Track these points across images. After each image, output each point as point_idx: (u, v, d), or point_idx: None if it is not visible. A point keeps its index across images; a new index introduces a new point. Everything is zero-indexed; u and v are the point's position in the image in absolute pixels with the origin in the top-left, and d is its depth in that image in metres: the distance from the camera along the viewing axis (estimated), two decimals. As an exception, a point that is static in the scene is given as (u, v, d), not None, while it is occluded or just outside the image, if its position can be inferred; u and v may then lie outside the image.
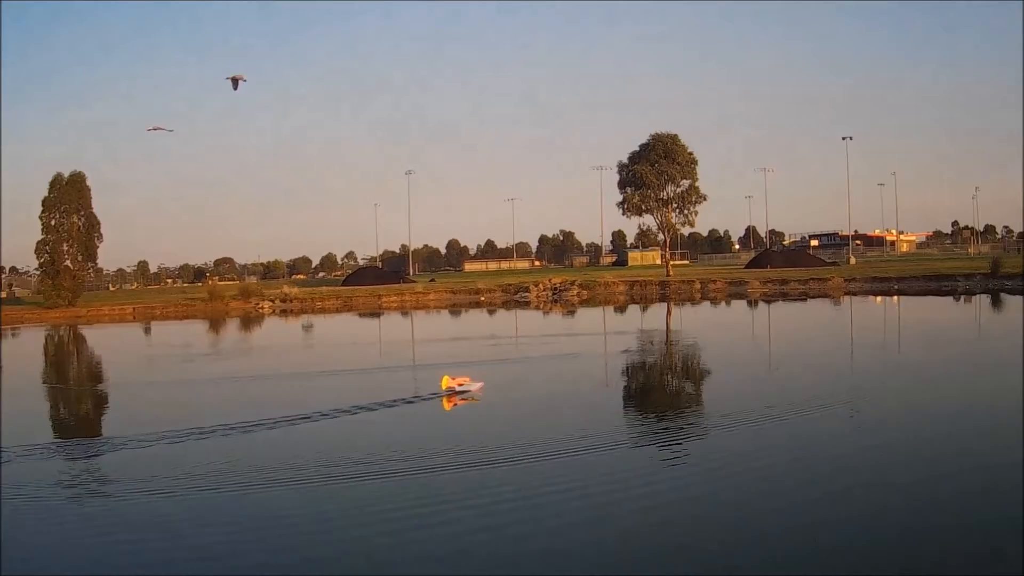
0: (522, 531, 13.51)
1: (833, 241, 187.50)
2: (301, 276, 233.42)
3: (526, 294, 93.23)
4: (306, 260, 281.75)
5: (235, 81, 56.07)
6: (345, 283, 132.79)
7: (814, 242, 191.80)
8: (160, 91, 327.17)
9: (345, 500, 15.58)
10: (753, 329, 55.47)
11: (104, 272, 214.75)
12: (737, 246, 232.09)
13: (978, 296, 69.35)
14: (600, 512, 14.16)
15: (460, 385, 25.94)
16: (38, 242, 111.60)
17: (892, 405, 22.50)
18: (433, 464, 17.52)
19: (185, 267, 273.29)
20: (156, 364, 46.66)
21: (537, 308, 79.53)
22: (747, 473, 16.20)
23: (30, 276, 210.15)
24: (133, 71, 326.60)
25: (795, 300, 76.03)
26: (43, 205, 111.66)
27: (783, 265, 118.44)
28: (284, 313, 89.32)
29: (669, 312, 68.85)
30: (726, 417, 20.95)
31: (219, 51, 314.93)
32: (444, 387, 25.80)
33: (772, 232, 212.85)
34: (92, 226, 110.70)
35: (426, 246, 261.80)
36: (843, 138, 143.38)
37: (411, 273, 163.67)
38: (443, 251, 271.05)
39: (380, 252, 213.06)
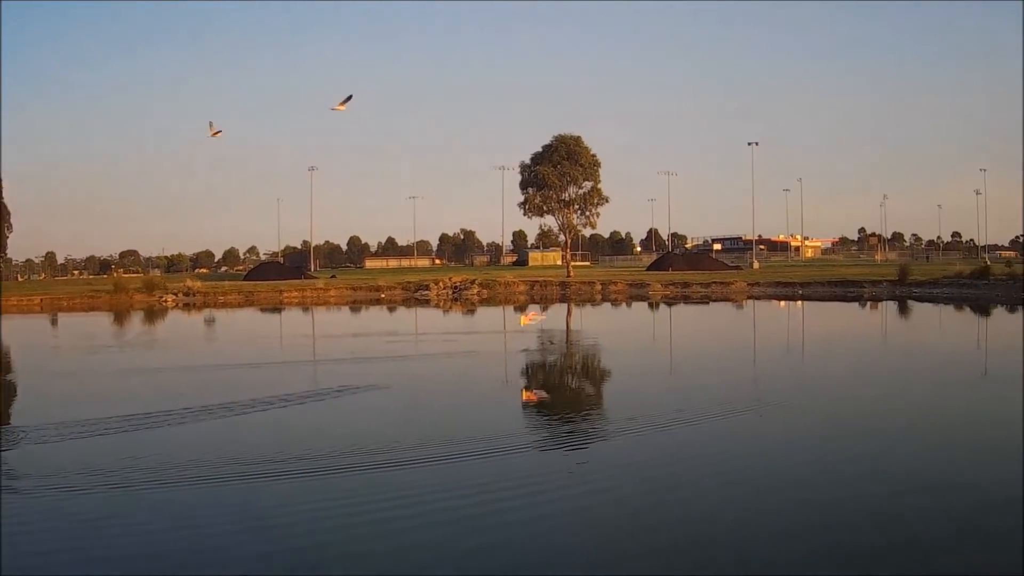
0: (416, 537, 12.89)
1: (736, 245, 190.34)
2: (204, 270, 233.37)
3: (426, 292, 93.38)
4: (209, 254, 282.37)
5: (346, 100, 57.83)
6: (247, 278, 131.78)
7: (717, 246, 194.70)
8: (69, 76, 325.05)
9: (242, 500, 14.94)
10: (654, 331, 55.78)
11: (12, 262, 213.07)
12: (639, 248, 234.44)
13: (884, 302, 70.55)
14: (494, 519, 13.64)
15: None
16: None
17: (795, 411, 22.12)
18: (337, 464, 16.86)
19: (91, 259, 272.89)
20: (64, 355, 45.82)
21: (437, 306, 79.71)
22: (639, 482, 15.59)
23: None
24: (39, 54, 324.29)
25: (697, 303, 76.61)
26: None
27: (685, 268, 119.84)
28: (187, 307, 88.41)
29: (569, 312, 69.16)
30: (632, 421, 20.58)
31: (126, 35, 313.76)
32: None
33: (674, 235, 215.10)
34: (2, 216, 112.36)
35: (327, 242, 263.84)
36: (748, 143, 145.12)
37: (312, 269, 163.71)
38: (344, 248, 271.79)
39: (282, 248, 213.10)
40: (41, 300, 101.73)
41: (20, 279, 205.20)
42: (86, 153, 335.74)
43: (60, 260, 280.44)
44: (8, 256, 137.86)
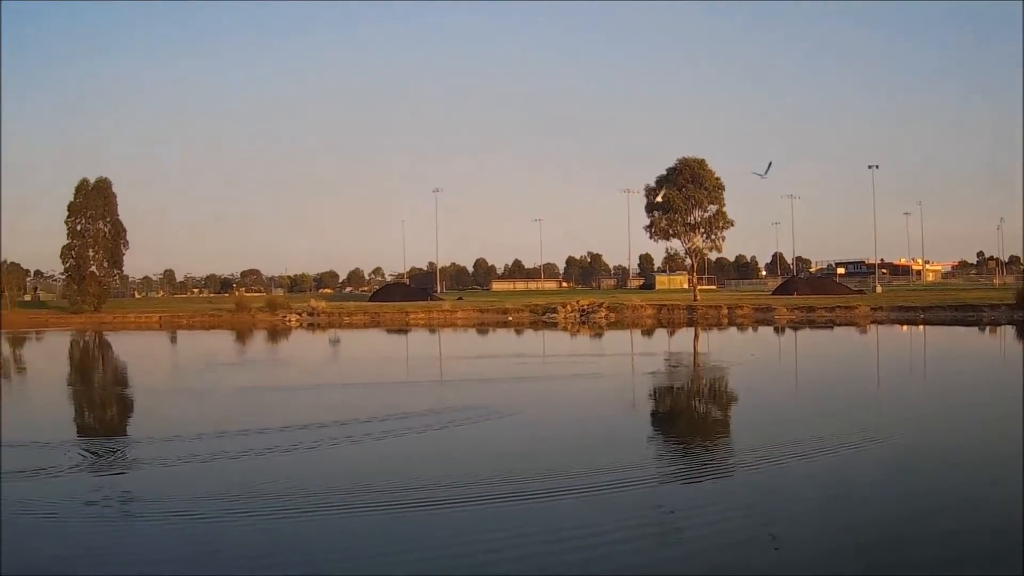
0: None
1: (859, 269, 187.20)
2: (328, 290, 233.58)
3: (554, 315, 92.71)
4: (333, 275, 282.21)
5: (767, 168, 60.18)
6: (372, 299, 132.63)
7: (840, 270, 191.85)
8: (182, 95, 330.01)
9: (374, 529, 14.56)
10: (780, 355, 55.27)
11: (130, 279, 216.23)
12: (764, 272, 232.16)
13: (1003, 327, 68.89)
14: (636, 558, 12.90)
15: None
16: (63, 247, 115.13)
17: (926, 440, 21.43)
18: (460, 495, 16.20)
19: (212, 277, 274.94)
20: (183, 372, 47.01)
21: (565, 329, 79.17)
22: (780, 514, 15.01)
23: (55, 280, 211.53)
24: (155, 74, 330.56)
25: (821, 327, 75.49)
26: (68, 210, 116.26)
27: (809, 292, 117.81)
28: (311, 327, 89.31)
29: (696, 336, 68.51)
30: (755, 452, 19.77)
31: (233, 55, 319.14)
32: None
33: (799, 259, 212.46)
34: (118, 233, 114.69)
35: (453, 264, 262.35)
36: (869, 167, 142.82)
37: (438, 291, 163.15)
38: (471, 270, 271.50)
39: (407, 269, 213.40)
40: (160, 317, 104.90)
41: (137, 296, 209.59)
42: (207, 170, 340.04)
43: (179, 278, 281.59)
44: (125, 273, 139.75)
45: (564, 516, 14.76)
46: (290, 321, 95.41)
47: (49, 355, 66.05)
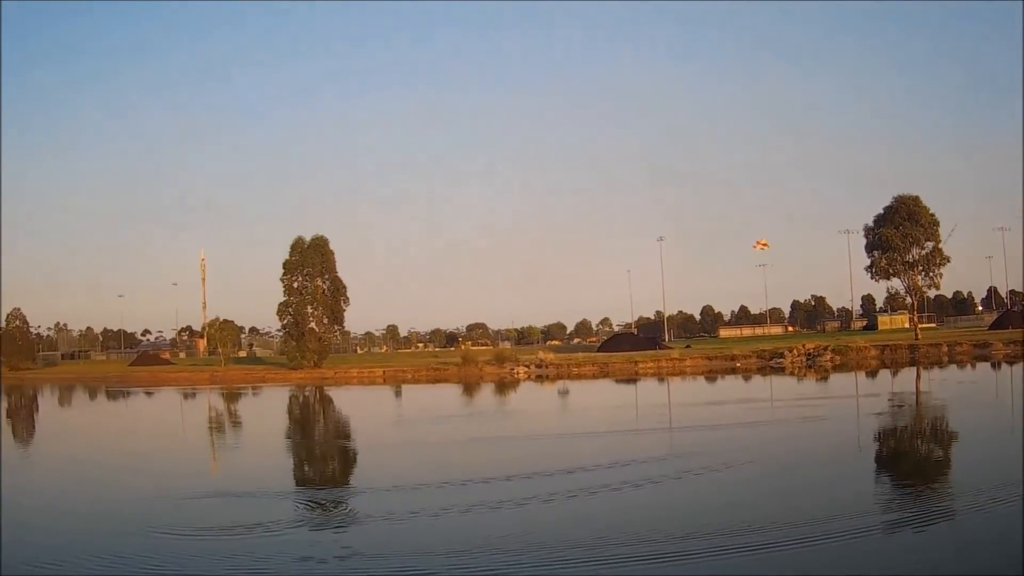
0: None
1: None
2: (556, 342, 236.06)
3: (780, 360, 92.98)
4: (560, 326, 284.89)
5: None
6: (601, 349, 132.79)
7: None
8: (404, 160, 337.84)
9: None
10: (997, 391, 56.06)
11: (351, 335, 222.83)
12: (980, 307, 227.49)
13: None
14: None
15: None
16: (280, 304, 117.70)
17: None
18: (699, 548, 16.09)
19: (436, 332, 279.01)
20: (406, 424, 49.26)
21: (791, 374, 79.54)
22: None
23: (271, 337, 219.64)
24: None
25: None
26: (284, 267, 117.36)
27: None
28: (540, 378, 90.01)
29: (918, 376, 68.50)
30: (979, 495, 19.34)
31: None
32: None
33: (1012, 292, 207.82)
34: (338, 289, 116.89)
35: (680, 312, 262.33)
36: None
37: (666, 339, 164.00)
38: (697, 317, 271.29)
39: (635, 318, 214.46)
40: (384, 372, 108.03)
41: (359, 351, 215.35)
42: (424, 230, 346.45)
43: (403, 332, 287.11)
44: (346, 329, 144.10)
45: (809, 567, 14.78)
46: (518, 373, 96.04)
47: (267, 409, 68.89)
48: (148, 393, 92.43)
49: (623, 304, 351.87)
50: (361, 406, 67.61)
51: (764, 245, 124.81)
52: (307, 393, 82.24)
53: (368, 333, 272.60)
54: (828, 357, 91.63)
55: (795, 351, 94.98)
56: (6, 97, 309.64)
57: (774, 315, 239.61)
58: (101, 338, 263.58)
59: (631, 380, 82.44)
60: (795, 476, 24.49)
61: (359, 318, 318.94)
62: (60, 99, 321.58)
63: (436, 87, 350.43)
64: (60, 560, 16.71)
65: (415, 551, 16.48)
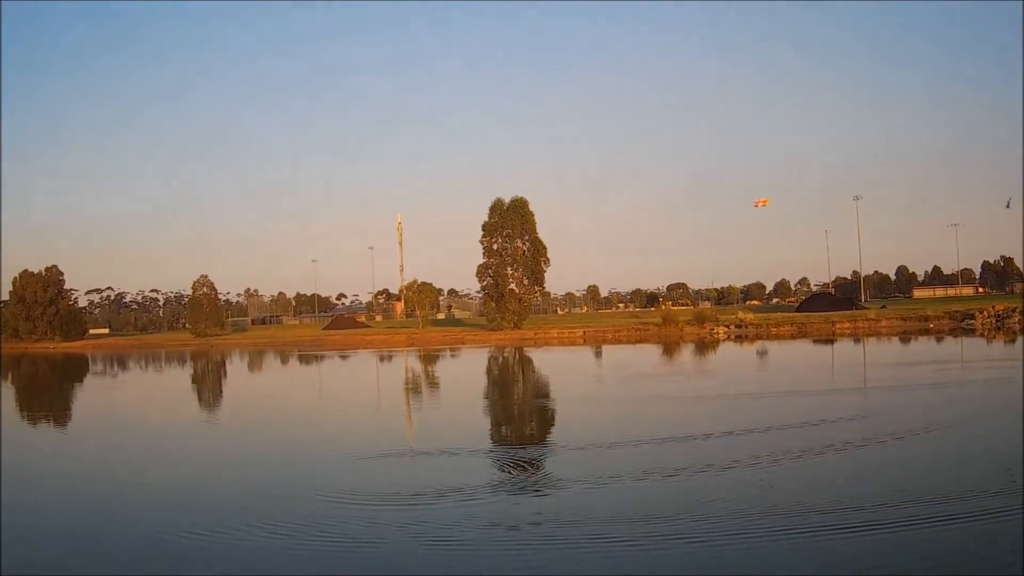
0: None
1: None
2: (755, 302, 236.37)
3: (971, 321, 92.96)
4: (760, 286, 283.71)
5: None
6: (799, 309, 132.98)
7: None
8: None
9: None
10: None
11: (552, 296, 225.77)
12: None
13: None
14: None
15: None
16: (479, 265, 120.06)
17: None
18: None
19: (637, 292, 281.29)
20: (606, 383, 50.45)
21: (981, 335, 79.39)
22: None
23: (470, 299, 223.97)
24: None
25: None
26: (484, 229, 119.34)
27: None
28: (739, 339, 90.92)
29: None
30: None
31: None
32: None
33: None
34: (538, 250, 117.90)
35: (876, 272, 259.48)
36: None
37: (862, 299, 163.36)
38: (892, 277, 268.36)
39: (832, 279, 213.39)
40: (584, 332, 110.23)
41: (560, 312, 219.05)
42: (629, 188, 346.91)
43: (604, 293, 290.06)
44: (546, 290, 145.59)
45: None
46: (717, 333, 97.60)
47: (465, 370, 69.34)
48: (343, 356, 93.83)
49: (821, 264, 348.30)
50: (560, 366, 68.72)
51: (764, 202, 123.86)
52: (506, 354, 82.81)
53: (569, 294, 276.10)
54: (1016, 319, 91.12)
55: (985, 312, 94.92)
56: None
57: (965, 276, 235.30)
58: (294, 303, 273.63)
59: (828, 340, 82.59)
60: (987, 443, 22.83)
61: (560, 279, 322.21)
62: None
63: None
64: (223, 528, 16.43)
65: (610, 516, 15.88)
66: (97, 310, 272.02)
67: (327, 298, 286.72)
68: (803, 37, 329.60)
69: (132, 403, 50.33)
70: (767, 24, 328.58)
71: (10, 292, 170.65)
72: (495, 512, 16.71)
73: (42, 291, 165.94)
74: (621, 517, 15.70)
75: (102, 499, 20.05)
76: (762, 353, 68.89)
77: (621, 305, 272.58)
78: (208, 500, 19.40)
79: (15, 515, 18.07)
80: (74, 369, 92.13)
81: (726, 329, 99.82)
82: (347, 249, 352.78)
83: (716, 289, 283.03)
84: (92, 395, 59.61)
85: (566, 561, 13.57)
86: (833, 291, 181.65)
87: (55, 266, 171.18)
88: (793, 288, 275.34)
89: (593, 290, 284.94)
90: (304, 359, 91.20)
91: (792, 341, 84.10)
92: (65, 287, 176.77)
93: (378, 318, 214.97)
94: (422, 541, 14.94)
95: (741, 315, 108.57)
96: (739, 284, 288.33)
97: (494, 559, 13.89)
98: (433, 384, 56.04)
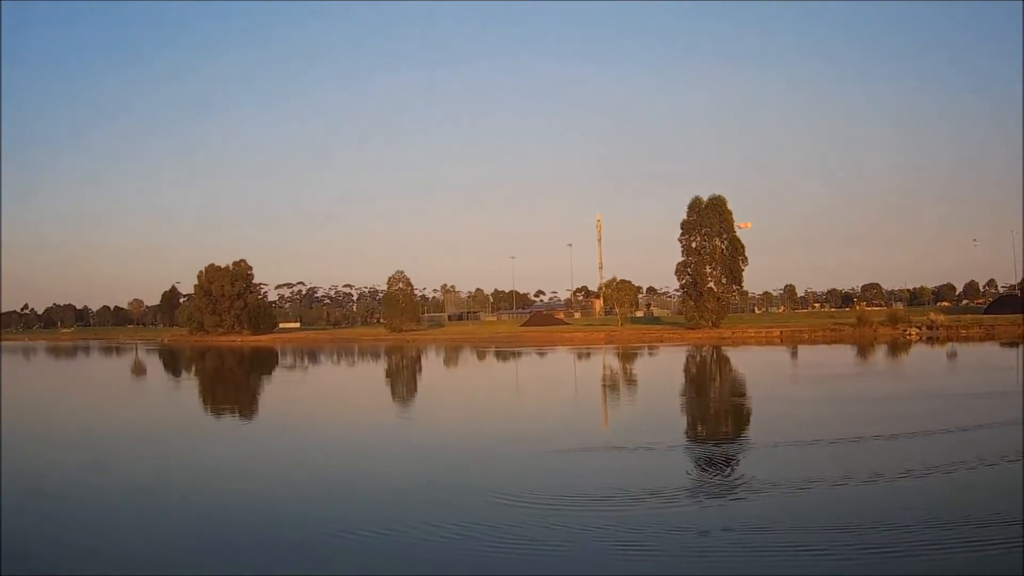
0: None
1: None
2: (945, 303, 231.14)
3: None
4: (950, 287, 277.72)
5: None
6: (987, 311, 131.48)
7: None
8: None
9: None
10: None
11: (749, 295, 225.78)
12: None
13: None
14: None
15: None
16: (678, 264, 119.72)
17: None
18: None
19: (832, 292, 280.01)
20: (800, 383, 51.68)
21: None
22: None
23: (668, 296, 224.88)
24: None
25: None
26: (682, 227, 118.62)
27: None
28: (930, 340, 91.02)
29: None
30: None
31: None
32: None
33: None
34: (736, 249, 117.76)
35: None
36: None
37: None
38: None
39: (1018, 279, 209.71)
40: (781, 332, 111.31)
41: (757, 312, 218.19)
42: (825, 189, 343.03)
43: (800, 293, 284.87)
44: (744, 289, 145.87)
45: None
46: (910, 335, 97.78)
47: (663, 368, 69.80)
48: (540, 353, 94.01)
49: (1008, 265, 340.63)
50: (758, 365, 69.11)
51: (745, 226, 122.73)
52: (704, 353, 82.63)
53: (766, 293, 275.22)
54: None
55: None
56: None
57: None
58: (491, 299, 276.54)
59: (1014, 343, 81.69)
60: None
61: (757, 278, 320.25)
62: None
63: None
64: (389, 528, 16.67)
65: (809, 525, 15.64)
66: (288, 304, 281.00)
67: (525, 295, 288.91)
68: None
69: (323, 398, 52.19)
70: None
71: (195, 286, 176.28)
72: (686, 516, 16.70)
73: (229, 285, 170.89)
74: (813, 526, 15.55)
75: (274, 494, 20.74)
76: (951, 355, 69.65)
77: (816, 305, 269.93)
78: (405, 498, 19.80)
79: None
80: (262, 362, 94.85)
81: (918, 330, 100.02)
82: (546, 247, 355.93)
83: (908, 290, 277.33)
84: (288, 389, 61.02)
85: (753, 569, 13.59)
86: (1020, 293, 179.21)
87: (243, 260, 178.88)
88: (981, 289, 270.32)
89: (790, 289, 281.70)
90: (501, 355, 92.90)
91: (980, 343, 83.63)
92: (254, 281, 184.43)
93: (576, 315, 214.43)
94: (609, 543, 14.99)
95: (932, 316, 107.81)
96: (930, 285, 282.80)
97: (683, 565, 13.98)
98: (631, 381, 56.98)
